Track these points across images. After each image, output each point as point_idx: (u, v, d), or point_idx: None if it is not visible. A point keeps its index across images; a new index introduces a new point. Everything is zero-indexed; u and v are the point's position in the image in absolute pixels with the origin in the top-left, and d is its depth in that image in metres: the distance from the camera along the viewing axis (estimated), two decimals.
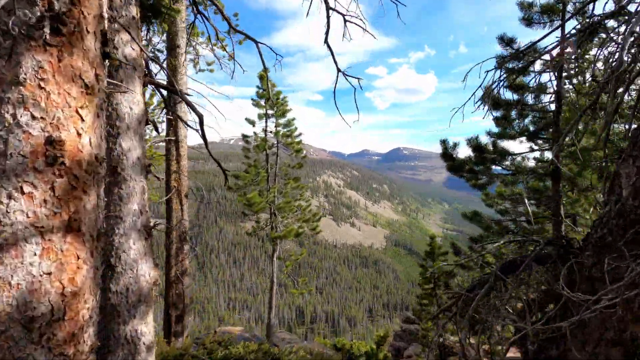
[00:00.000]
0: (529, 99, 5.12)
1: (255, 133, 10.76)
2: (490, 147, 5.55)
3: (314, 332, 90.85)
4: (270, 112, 10.54)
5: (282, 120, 10.66)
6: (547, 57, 4.72)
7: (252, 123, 10.72)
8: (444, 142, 5.41)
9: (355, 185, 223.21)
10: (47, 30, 0.95)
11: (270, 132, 10.68)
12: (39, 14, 0.94)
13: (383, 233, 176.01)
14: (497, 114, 5.52)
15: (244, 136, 10.62)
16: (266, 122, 10.62)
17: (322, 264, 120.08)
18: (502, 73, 5.59)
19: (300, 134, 10.70)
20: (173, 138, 8.98)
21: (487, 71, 2.92)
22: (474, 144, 5.48)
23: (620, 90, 2.11)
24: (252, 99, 10.41)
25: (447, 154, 5.39)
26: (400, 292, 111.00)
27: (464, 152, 5.90)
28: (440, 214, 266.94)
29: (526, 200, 4.80)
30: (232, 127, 11.69)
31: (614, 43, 2.25)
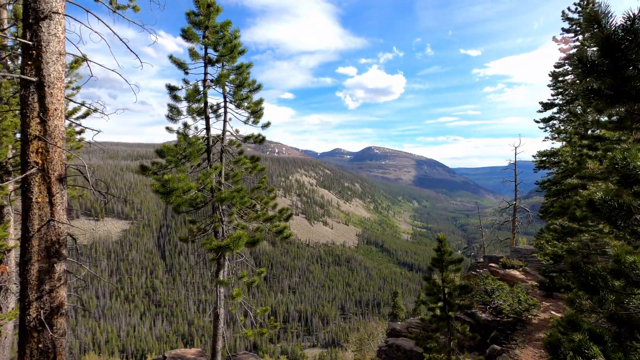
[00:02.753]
0: None
1: (186, 82, 6.64)
2: None
3: (287, 332, 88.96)
4: (213, 53, 6.69)
5: (230, 66, 6.83)
6: None
7: (183, 66, 6.50)
8: (595, 18, 2.07)
9: (328, 184, 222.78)
10: None
11: (212, 81, 6.81)
12: None
13: (355, 231, 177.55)
14: None
15: (170, 88, 6.52)
16: (205, 66, 6.65)
17: (295, 262, 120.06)
18: None
19: (259, 87, 6.89)
20: (33, 79, 5.22)
21: None
22: None
23: None
24: (181, 30, 6.38)
25: (614, 45, 2.02)
26: (372, 289, 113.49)
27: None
28: (409, 212, 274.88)
29: None
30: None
31: None
